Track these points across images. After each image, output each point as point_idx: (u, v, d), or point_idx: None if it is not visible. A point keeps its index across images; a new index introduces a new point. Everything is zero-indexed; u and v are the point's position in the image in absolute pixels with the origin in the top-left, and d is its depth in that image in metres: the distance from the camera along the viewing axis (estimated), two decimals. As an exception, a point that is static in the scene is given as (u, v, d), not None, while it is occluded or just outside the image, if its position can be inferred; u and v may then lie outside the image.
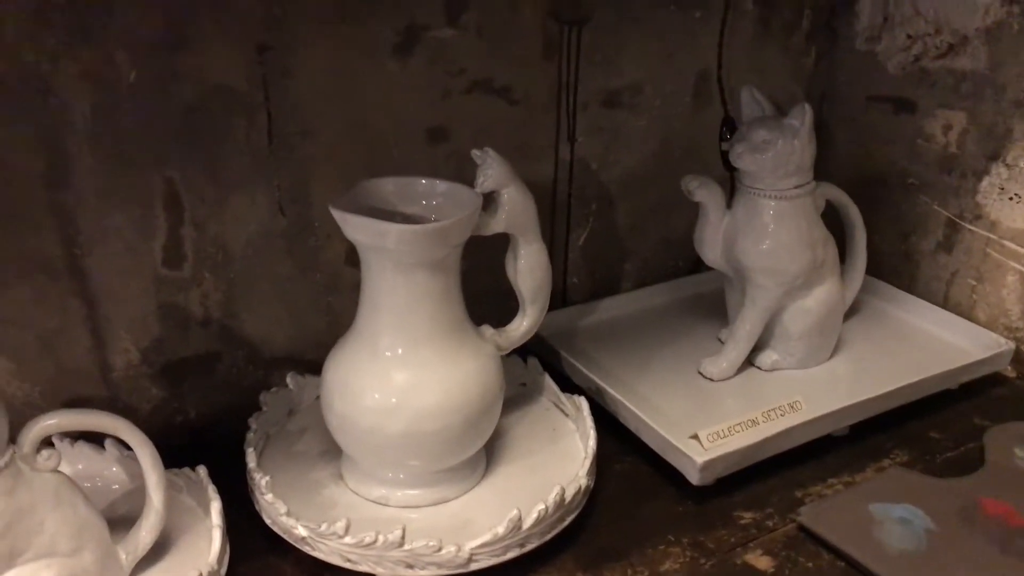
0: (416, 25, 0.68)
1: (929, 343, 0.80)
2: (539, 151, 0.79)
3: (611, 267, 0.88)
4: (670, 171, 0.85)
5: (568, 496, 0.56)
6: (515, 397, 0.70)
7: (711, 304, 0.84)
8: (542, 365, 0.73)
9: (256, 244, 0.68)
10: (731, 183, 0.77)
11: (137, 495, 0.55)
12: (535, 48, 0.75)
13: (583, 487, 0.58)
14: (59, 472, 0.47)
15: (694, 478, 0.61)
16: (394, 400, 0.55)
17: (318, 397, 0.61)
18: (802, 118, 0.68)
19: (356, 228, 0.53)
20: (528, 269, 0.61)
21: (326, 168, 0.69)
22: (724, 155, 0.81)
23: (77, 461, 0.60)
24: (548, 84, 0.77)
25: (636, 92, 0.82)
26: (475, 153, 0.59)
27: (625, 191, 0.85)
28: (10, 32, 0.55)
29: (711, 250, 0.74)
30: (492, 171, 0.58)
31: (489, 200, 0.58)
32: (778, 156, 0.68)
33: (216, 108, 0.63)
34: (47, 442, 0.47)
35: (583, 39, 0.77)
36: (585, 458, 0.60)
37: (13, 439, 0.46)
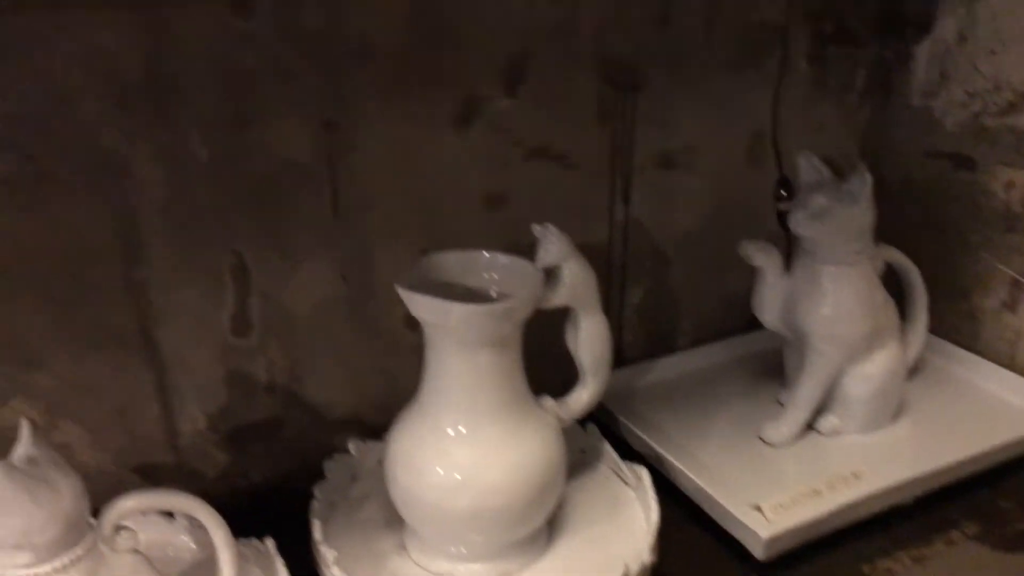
0: (475, 97, 0.70)
1: (996, 406, 0.78)
2: (594, 213, 0.80)
3: (667, 326, 0.88)
4: (725, 230, 0.85)
5: (632, 574, 0.56)
6: (574, 464, 0.70)
7: (768, 363, 0.83)
8: (600, 427, 0.73)
9: (320, 311, 0.70)
10: (787, 242, 0.77)
11: (206, 565, 0.56)
12: (590, 114, 0.76)
13: (646, 564, 0.58)
14: (136, 552, 0.48)
15: (759, 553, 0.61)
16: (458, 477, 0.55)
17: (380, 461, 0.62)
18: (862, 185, 0.67)
19: (421, 306, 0.54)
20: (589, 341, 0.61)
21: (387, 237, 0.70)
22: (779, 214, 0.81)
23: (148, 530, 0.61)
24: (603, 148, 0.78)
25: (691, 153, 0.82)
26: (536, 228, 0.60)
27: (680, 250, 0.85)
28: (91, 116, 0.58)
29: (770, 314, 0.74)
30: (553, 246, 0.59)
31: (550, 274, 0.59)
32: (837, 223, 0.68)
33: (283, 183, 0.65)
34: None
35: (638, 103, 0.78)
36: (648, 533, 0.60)
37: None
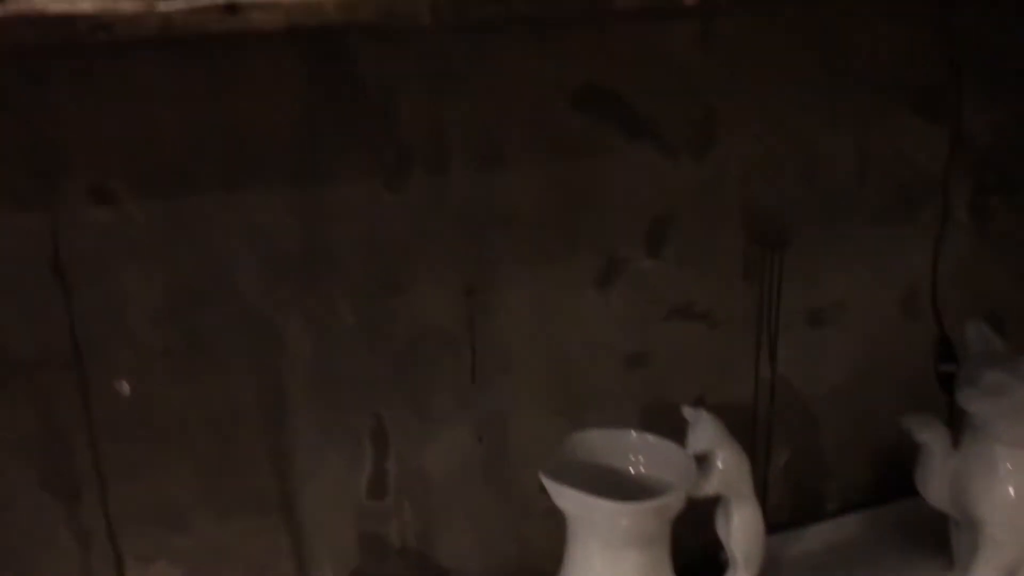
0: (617, 259, 0.69)
1: None
2: (739, 371, 0.76)
3: (814, 489, 0.82)
4: (878, 389, 0.80)
5: None
6: (719, 653, 0.65)
7: (928, 535, 0.76)
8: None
9: (454, 474, 0.68)
10: (949, 409, 0.71)
11: None
12: (735, 272, 0.73)
13: None
14: None
15: None
16: None
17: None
18: (1044, 362, 0.62)
19: (565, 498, 0.52)
20: (742, 532, 0.57)
21: (524, 397, 0.69)
22: (940, 376, 0.76)
23: None
24: (748, 305, 0.75)
25: (841, 309, 0.78)
26: (687, 411, 0.57)
27: (829, 410, 0.80)
28: (248, 287, 0.59)
29: (935, 494, 0.68)
30: (705, 432, 0.56)
31: (701, 461, 0.56)
32: (1015, 401, 0.62)
33: (425, 347, 0.65)
34: None
35: (785, 258, 0.75)
36: None
37: None
